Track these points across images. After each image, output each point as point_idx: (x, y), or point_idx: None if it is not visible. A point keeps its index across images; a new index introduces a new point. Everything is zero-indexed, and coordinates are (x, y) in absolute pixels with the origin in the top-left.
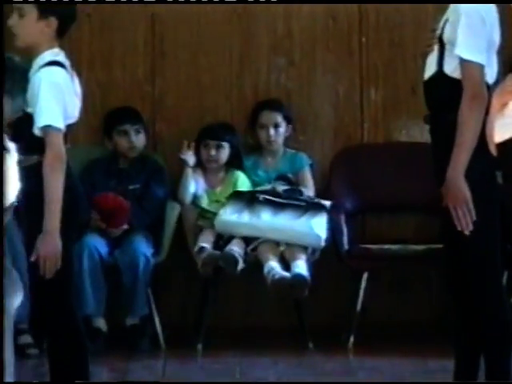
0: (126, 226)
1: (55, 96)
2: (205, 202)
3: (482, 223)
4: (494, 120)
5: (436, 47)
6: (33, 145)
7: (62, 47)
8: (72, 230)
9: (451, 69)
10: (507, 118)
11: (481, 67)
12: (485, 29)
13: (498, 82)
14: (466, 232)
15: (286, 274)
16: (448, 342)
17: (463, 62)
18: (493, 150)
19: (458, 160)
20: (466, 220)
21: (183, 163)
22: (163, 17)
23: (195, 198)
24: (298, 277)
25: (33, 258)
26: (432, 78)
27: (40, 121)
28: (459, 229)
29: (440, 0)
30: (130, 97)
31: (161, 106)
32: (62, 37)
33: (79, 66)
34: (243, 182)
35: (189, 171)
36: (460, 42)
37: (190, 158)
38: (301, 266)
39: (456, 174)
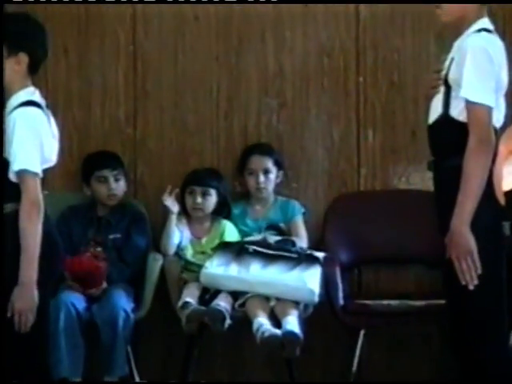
0: (104, 285)
1: (31, 138)
2: (189, 254)
3: (488, 277)
4: (501, 167)
5: (442, 89)
6: (8, 192)
7: (36, 85)
8: (49, 281)
9: (457, 112)
10: None
11: (489, 110)
12: (493, 68)
13: (505, 125)
14: (471, 286)
15: (277, 332)
16: None
17: (469, 105)
18: (500, 199)
19: (463, 209)
20: (470, 273)
21: (166, 211)
22: (146, 53)
23: (179, 248)
24: (290, 334)
25: (9, 314)
26: (437, 121)
27: (15, 165)
28: (463, 283)
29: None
30: (109, 139)
31: (142, 150)
32: (34, 73)
33: (55, 105)
34: (231, 232)
35: (173, 219)
36: (466, 83)
37: (174, 204)
38: (292, 323)
39: (461, 224)
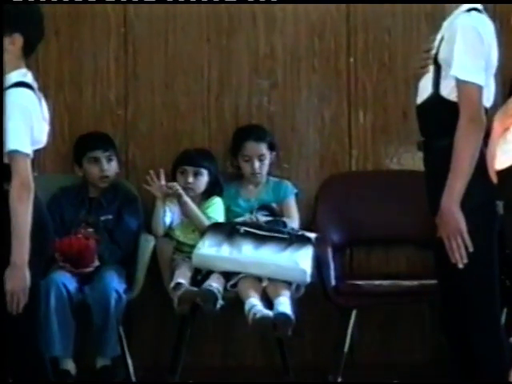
0: (96, 263)
1: (22, 119)
2: (180, 234)
3: (480, 256)
4: (495, 146)
5: (431, 68)
6: None
7: (27, 67)
8: (40, 262)
9: (448, 91)
10: (509, 144)
11: (479, 88)
12: (483, 47)
13: (495, 105)
14: (460, 265)
15: (269, 313)
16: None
17: (460, 83)
18: (493, 178)
19: (453, 187)
20: (460, 252)
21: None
22: (136, 36)
23: (170, 229)
24: (282, 316)
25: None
26: (427, 101)
27: (6, 146)
28: (453, 261)
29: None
30: (100, 121)
31: (134, 132)
32: (28, 55)
33: (46, 87)
34: (217, 205)
35: (159, 202)
36: (456, 62)
37: (158, 189)
38: (284, 304)
39: (451, 203)
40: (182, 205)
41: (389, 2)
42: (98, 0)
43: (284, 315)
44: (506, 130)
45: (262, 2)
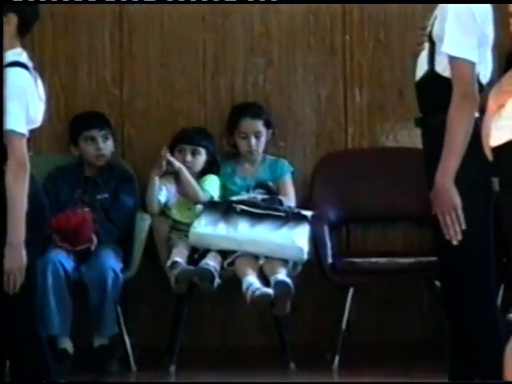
0: (95, 240)
1: (18, 99)
2: (176, 213)
3: (475, 233)
4: (490, 122)
5: (426, 45)
6: None
7: (23, 47)
8: (36, 242)
9: (442, 67)
10: (504, 120)
11: (471, 64)
12: (475, 24)
13: (492, 81)
14: (454, 242)
15: (268, 290)
16: (439, 362)
17: (452, 60)
18: (488, 155)
19: (446, 164)
20: (454, 228)
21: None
22: (131, 15)
23: (166, 208)
24: (281, 284)
25: None
26: (423, 77)
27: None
28: (447, 238)
29: (430, 0)
30: (96, 101)
31: (129, 111)
32: (23, 36)
33: (42, 67)
34: (211, 181)
35: (155, 179)
36: (448, 39)
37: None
38: (282, 274)
39: (445, 179)
40: (181, 179)
41: None
42: None
43: (284, 283)
44: (501, 106)
45: None
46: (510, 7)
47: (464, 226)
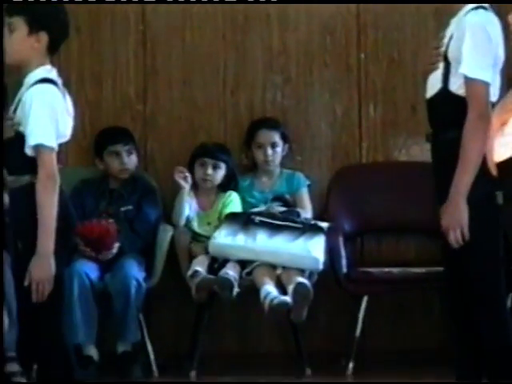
0: (116, 248)
1: (48, 114)
2: (196, 225)
3: (485, 245)
4: (493, 139)
5: (441, 65)
6: (24, 165)
7: (52, 64)
8: (64, 252)
9: (456, 86)
10: (507, 137)
11: (486, 86)
12: (491, 46)
13: (498, 99)
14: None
15: (286, 299)
16: (449, 369)
17: (468, 81)
18: (493, 170)
19: (461, 180)
20: (458, 244)
21: (177, 185)
22: (155, 32)
23: (187, 220)
24: (301, 286)
25: (26, 283)
26: (436, 95)
27: (32, 139)
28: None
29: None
30: (120, 116)
31: (152, 126)
32: (53, 53)
33: (68, 83)
34: (235, 202)
35: (184, 193)
36: (465, 60)
37: (186, 180)
38: (301, 278)
39: (458, 195)
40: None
41: (397, 2)
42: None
43: (303, 285)
44: (504, 124)
45: (275, 2)
46: (509, 17)
47: (467, 239)
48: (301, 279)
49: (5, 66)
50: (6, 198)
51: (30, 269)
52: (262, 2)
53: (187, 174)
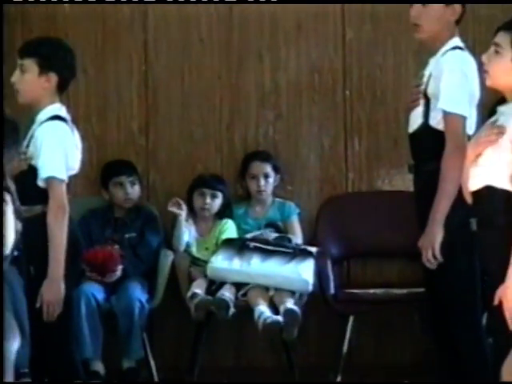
0: (119, 271)
1: (58, 149)
2: (195, 250)
3: (462, 268)
4: (468, 169)
5: (421, 101)
6: (36, 195)
7: (60, 102)
8: (72, 275)
9: (436, 121)
10: (481, 167)
11: (463, 119)
12: (467, 83)
13: (474, 132)
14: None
15: (278, 318)
16: (429, 380)
17: (446, 115)
18: (468, 198)
19: (439, 207)
20: (430, 264)
21: (175, 214)
22: (156, 72)
23: (186, 246)
24: (290, 312)
25: (38, 304)
26: (418, 130)
27: (44, 172)
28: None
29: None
30: (124, 149)
31: (154, 159)
32: (62, 92)
33: (76, 119)
34: (230, 228)
35: (181, 220)
36: (443, 96)
37: (180, 209)
38: (290, 303)
39: (435, 220)
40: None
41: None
42: (121, 39)
43: (292, 311)
44: (478, 155)
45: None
46: (483, 57)
47: (439, 260)
48: (289, 305)
49: (18, 104)
50: (19, 226)
51: (42, 292)
52: (257, 30)
53: (181, 202)
